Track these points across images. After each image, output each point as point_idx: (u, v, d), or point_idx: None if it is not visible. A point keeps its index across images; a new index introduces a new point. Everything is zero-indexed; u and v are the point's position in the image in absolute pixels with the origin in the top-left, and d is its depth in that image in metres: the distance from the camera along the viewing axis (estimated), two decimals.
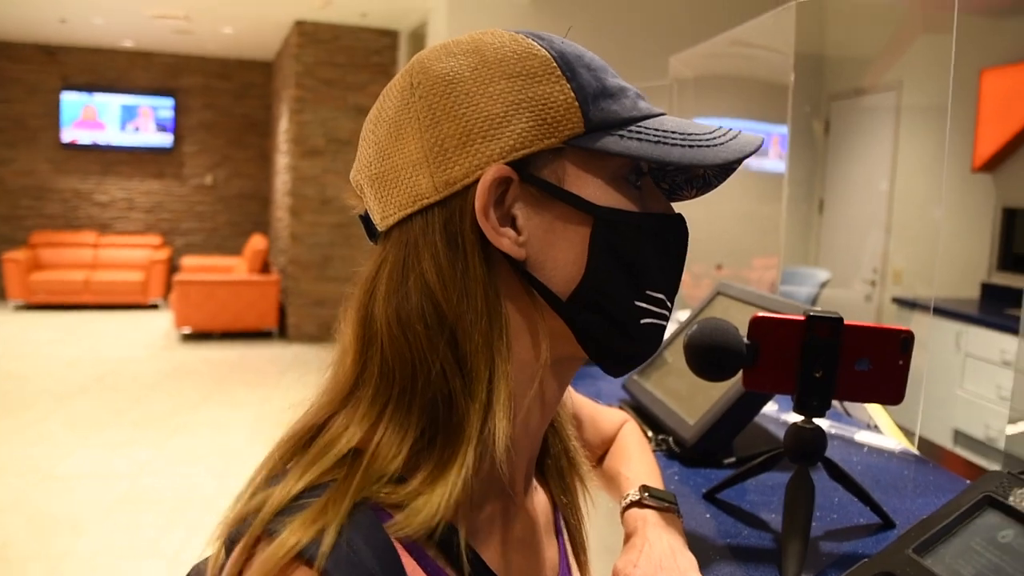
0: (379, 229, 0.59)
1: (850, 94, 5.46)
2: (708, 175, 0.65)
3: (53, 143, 9.09)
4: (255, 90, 9.60)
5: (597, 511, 0.82)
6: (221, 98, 9.55)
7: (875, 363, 0.81)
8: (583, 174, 0.56)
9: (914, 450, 1.25)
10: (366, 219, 0.61)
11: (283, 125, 7.85)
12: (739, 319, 0.85)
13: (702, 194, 0.67)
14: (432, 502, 0.51)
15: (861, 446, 1.28)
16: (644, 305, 0.59)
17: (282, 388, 5.95)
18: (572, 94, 0.56)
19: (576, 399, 0.96)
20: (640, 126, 0.57)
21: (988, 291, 4.50)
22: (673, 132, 0.58)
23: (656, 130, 0.57)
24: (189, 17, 7.12)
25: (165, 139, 9.34)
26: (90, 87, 9.05)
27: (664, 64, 2.59)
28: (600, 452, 1.00)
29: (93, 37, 8.42)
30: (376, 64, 7.32)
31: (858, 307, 4.95)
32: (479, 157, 0.54)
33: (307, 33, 7.14)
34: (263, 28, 7.59)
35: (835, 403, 1.25)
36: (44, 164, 9.13)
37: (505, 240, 0.55)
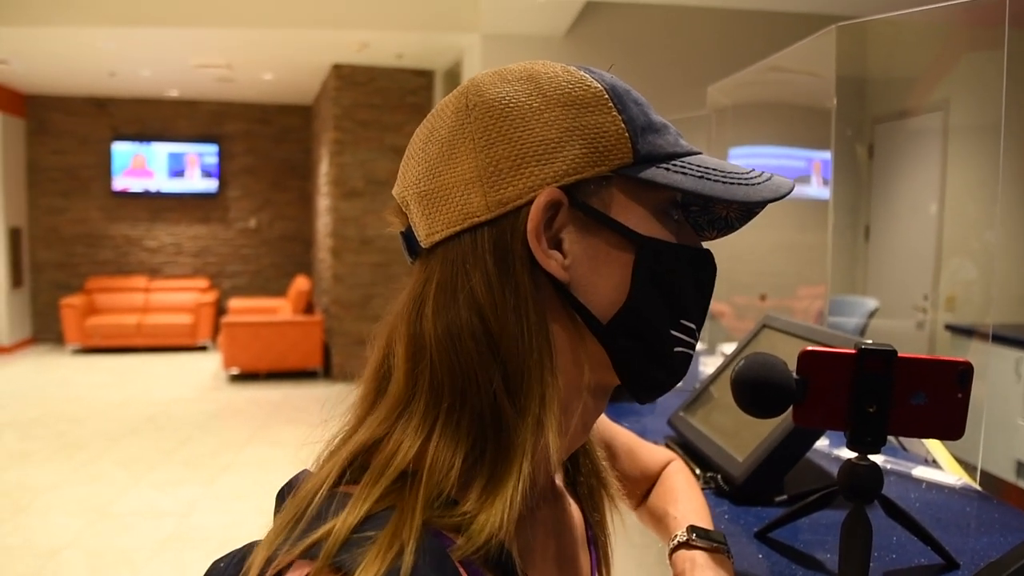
0: (423, 245, 0.59)
1: (894, 116, 5.34)
2: (730, 217, 0.66)
3: (105, 192, 9.39)
4: (295, 134, 9.81)
5: (624, 525, 0.82)
6: (262, 143, 9.77)
7: (932, 397, 0.77)
8: (629, 203, 0.58)
9: (975, 485, 1.19)
10: (407, 236, 0.62)
11: (323, 167, 7.98)
12: (786, 352, 0.83)
13: (722, 236, 0.68)
14: (493, 518, 0.51)
15: (919, 482, 1.23)
16: (678, 334, 0.60)
17: (326, 427, 5.96)
18: (623, 125, 0.57)
19: (614, 429, 0.96)
20: (683, 161, 0.59)
21: None
22: (713, 169, 0.59)
23: (698, 166, 0.59)
24: (231, 65, 7.33)
25: (210, 185, 9.57)
26: (139, 137, 9.34)
27: (700, 95, 2.57)
28: (642, 486, 0.99)
29: (141, 88, 8.72)
30: (412, 104, 7.41)
31: (910, 336, 4.78)
32: (533, 179, 0.55)
33: (344, 76, 7.26)
34: (302, 73, 7.76)
35: (890, 437, 1.20)
36: (96, 212, 9.43)
37: (553, 262, 0.55)
